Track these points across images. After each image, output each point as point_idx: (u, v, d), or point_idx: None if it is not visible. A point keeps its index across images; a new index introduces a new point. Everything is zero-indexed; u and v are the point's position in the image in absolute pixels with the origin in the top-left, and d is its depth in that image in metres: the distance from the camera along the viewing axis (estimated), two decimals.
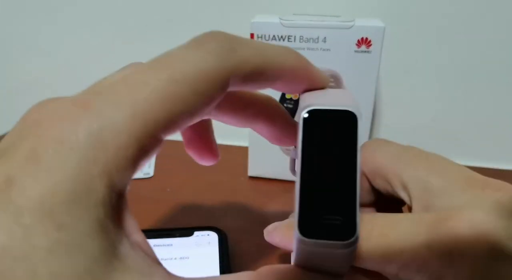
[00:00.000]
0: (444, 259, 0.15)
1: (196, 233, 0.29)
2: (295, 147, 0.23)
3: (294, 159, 0.24)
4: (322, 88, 0.18)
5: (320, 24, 0.33)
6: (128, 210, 0.15)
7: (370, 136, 0.45)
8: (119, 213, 0.13)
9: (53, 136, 0.12)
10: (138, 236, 0.15)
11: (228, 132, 0.48)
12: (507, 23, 0.39)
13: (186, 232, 0.29)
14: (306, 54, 0.34)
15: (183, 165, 0.41)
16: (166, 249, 0.27)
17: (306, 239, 0.15)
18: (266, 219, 0.34)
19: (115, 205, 0.13)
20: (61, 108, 0.13)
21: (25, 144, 0.12)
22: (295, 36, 0.33)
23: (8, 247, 0.11)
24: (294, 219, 0.15)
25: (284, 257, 0.29)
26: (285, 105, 0.36)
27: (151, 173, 0.41)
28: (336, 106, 0.15)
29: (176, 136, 0.44)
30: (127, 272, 0.12)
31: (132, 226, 0.15)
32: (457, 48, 0.41)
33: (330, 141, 0.15)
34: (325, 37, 0.33)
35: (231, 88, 0.15)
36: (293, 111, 0.35)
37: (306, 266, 0.16)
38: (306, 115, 0.15)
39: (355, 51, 0.33)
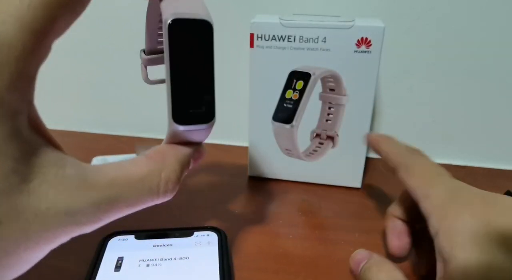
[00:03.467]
0: None
1: (196, 233, 0.29)
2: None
3: (146, 67, 0.29)
4: None
5: (320, 24, 0.33)
6: (37, 112, 0.17)
7: None
8: (30, 118, 0.16)
9: None
10: (47, 134, 0.17)
11: (228, 132, 0.48)
12: (506, 23, 0.39)
13: (186, 232, 0.29)
14: (306, 54, 0.34)
15: None
16: (166, 249, 0.27)
17: (180, 126, 0.19)
18: (266, 219, 0.34)
19: (26, 112, 0.15)
20: None
21: None
22: (295, 36, 0.33)
23: None
24: (167, 113, 0.19)
25: (284, 257, 0.29)
26: (284, 105, 0.36)
27: None
28: (195, 16, 0.18)
29: None
30: (44, 166, 0.15)
31: (42, 126, 0.17)
32: (457, 48, 0.41)
33: (192, 44, 0.18)
34: (325, 37, 0.33)
35: None
36: (293, 110, 0.36)
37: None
38: (171, 24, 0.18)
39: (355, 51, 0.33)
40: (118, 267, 0.26)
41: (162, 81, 0.27)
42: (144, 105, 0.49)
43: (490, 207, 0.20)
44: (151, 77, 0.29)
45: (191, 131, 0.20)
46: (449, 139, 0.45)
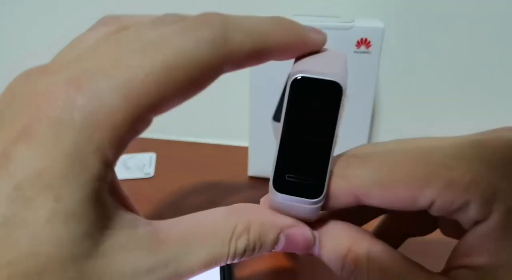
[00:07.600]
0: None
1: None
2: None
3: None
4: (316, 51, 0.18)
5: (319, 25, 0.33)
6: (115, 174, 0.17)
7: (369, 137, 0.45)
8: (110, 183, 0.15)
9: (48, 115, 0.13)
10: (122, 195, 0.17)
11: (228, 132, 0.48)
12: (507, 23, 0.39)
13: None
14: None
15: (183, 165, 0.41)
16: None
17: (279, 194, 0.17)
18: None
19: (107, 178, 0.15)
20: (54, 86, 0.13)
21: (20, 121, 0.13)
22: None
23: (10, 217, 0.12)
24: (270, 173, 0.17)
25: (285, 256, 0.29)
26: None
27: (152, 173, 0.41)
28: (323, 76, 0.15)
29: (176, 136, 0.44)
30: (117, 228, 0.15)
31: (118, 188, 0.17)
32: (457, 48, 0.41)
33: (314, 107, 0.16)
34: None
35: (226, 71, 0.16)
36: None
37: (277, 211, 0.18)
38: (294, 81, 0.16)
39: (355, 52, 0.33)
40: None
41: None
42: None
43: None
44: None
45: (290, 204, 0.17)
46: None
